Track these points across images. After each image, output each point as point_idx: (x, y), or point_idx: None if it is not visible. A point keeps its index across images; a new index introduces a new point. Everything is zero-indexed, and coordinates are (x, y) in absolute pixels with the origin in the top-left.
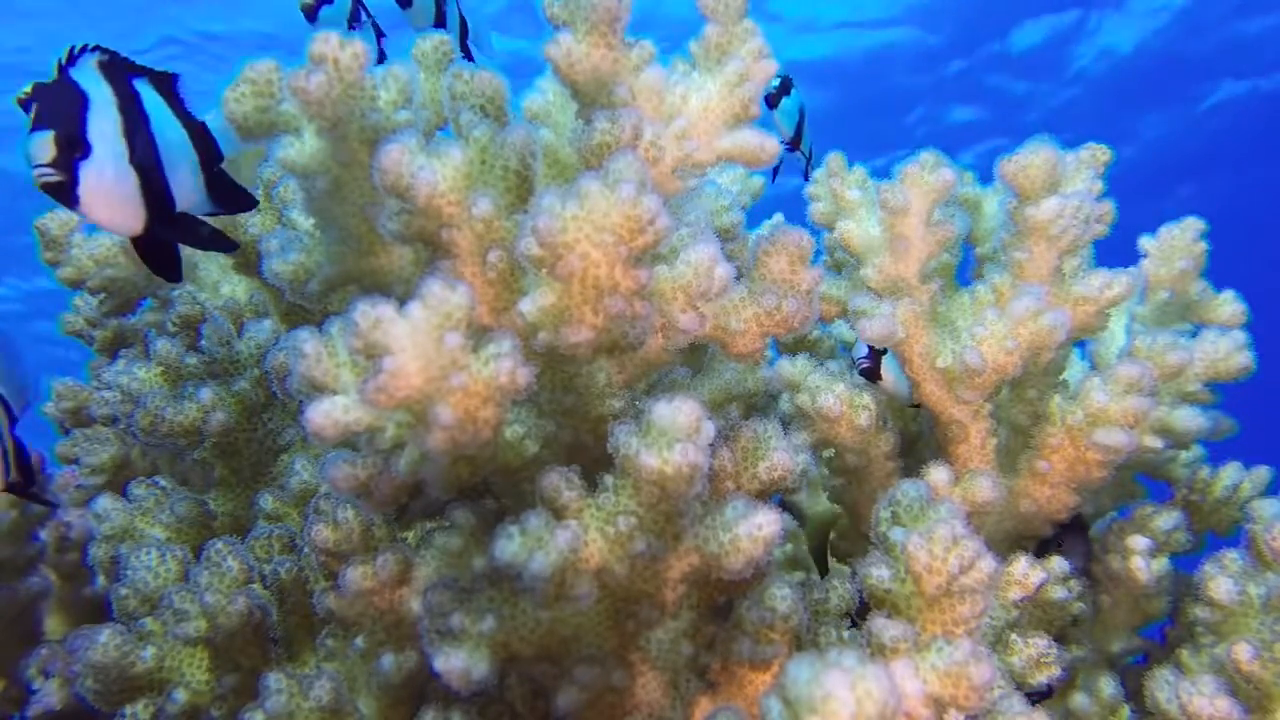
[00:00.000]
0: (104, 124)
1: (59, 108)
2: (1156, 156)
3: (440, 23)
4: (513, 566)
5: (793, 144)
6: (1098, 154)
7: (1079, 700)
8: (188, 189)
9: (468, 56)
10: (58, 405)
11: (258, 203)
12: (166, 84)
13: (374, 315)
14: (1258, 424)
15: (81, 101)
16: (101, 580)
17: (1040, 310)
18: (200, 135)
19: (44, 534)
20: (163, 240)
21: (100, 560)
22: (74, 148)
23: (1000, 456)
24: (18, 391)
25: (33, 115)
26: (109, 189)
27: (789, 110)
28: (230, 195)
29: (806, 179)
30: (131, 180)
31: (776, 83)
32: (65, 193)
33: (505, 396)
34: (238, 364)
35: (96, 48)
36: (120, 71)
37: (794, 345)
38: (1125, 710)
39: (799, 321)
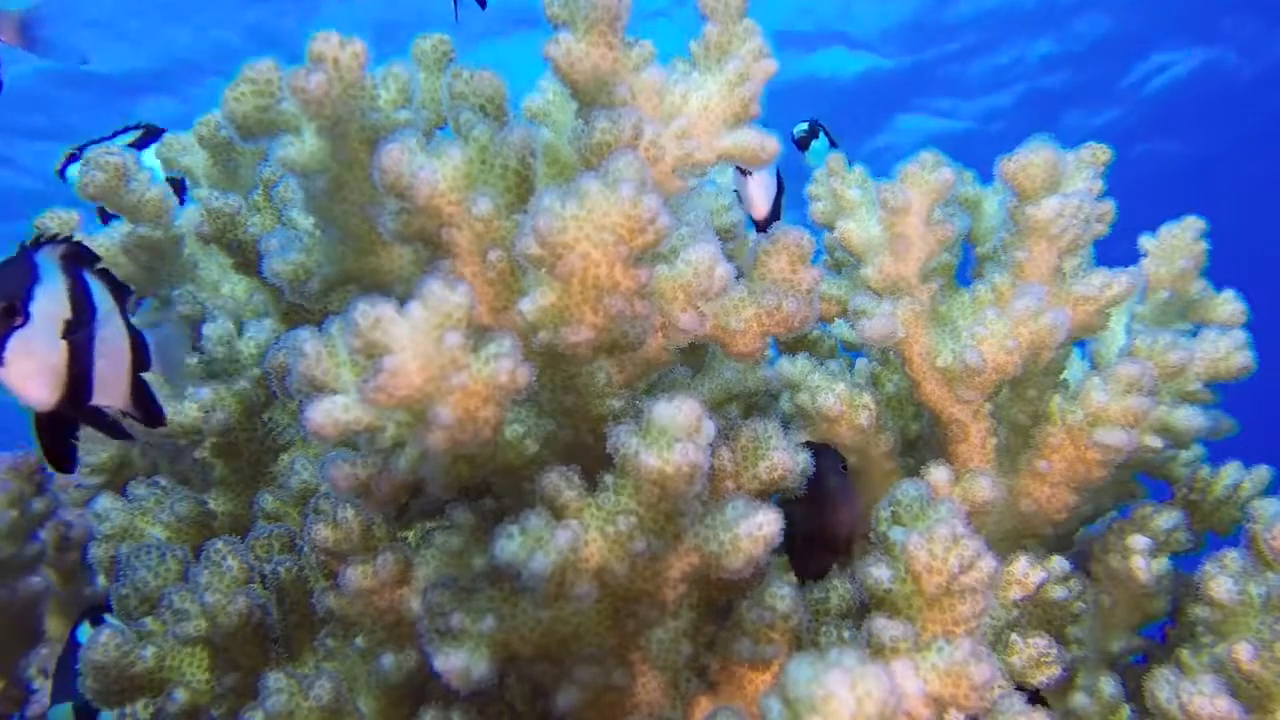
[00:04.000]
0: (50, 304)
1: (10, 279)
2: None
3: None
4: (513, 566)
5: None
6: (1098, 153)
7: (1079, 699)
8: (111, 388)
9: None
10: None
11: (165, 421)
12: (120, 291)
13: (374, 314)
14: (1258, 424)
15: (32, 278)
16: (101, 580)
17: (1040, 310)
18: (136, 345)
19: (44, 534)
20: (65, 422)
21: (100, 560)
22: (13, 315)
23: (1000, 456)
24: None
25: None
26: (33, 361)
27: (819, 153)
28: (147, 405)
29: None
30: (59, 360)
31: (805, 127)
32: None
33: (505, 396)
34: (238, 363)
35: (66, 240)
36: (79, 264)
37: (794, 344)
38: (1125, 710)
39: (799, 321)
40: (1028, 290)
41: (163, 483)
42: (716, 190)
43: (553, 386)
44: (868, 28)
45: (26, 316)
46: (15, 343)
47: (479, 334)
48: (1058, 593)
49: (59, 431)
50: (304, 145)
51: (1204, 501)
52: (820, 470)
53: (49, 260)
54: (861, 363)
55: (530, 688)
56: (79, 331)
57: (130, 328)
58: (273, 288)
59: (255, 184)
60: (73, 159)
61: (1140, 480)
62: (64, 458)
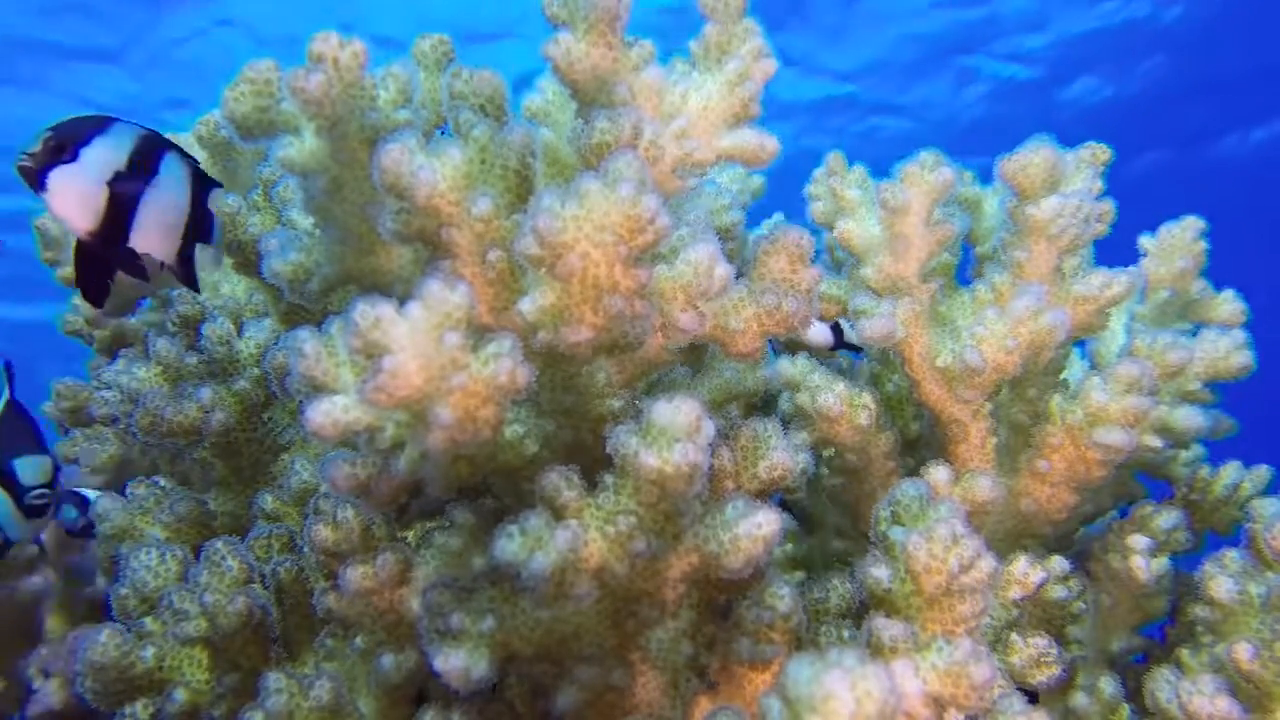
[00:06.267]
0: (103, 154)
1: (76, 127)
2: None
3: None
4: (513, 566)
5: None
6: (1098, 153)
7: (1079, 699)
8: (156, 240)
9: None
10: (58, 405)
11: (199, 289)
12: (203, 178)
13: (373, 315)
14: (1258, 424)
15: (96, 132)
16: (101, 580)
17: (1040, 309)
18: (200, 218)
19: (44, 534)
20: (102, 258)
21: (100, 560)
22: (60, 152)
23: (1000, 456)
24: None
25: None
26: (74, 194)
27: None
28: (190, 271)
29: None
30: (99, 199)
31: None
32: (33, 179)
33: (505, 396)
34: (237, 363)
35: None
36: (156, 141)
37: (793, 344)
38: (1125, 709)
39: (799, 321)
40: (1027, 290)
41: (163, 483)
42: (716, 190)
43: (552, 386)
44: None
45: (74, 156)
46: (57, 175)
47: (479, 334)
48: (1058, 593)
49: (95, 265)
50: (303, 145)
51: (1204, 501)
52: None
53: (127, 130)
54: (862, 363)
55: (530, 688)
56: (126, 183)
57: (201, 205)
58: (272, 288)
59: (255, 184)
60: None
61: (1140, 480)
62: (96, 290)
